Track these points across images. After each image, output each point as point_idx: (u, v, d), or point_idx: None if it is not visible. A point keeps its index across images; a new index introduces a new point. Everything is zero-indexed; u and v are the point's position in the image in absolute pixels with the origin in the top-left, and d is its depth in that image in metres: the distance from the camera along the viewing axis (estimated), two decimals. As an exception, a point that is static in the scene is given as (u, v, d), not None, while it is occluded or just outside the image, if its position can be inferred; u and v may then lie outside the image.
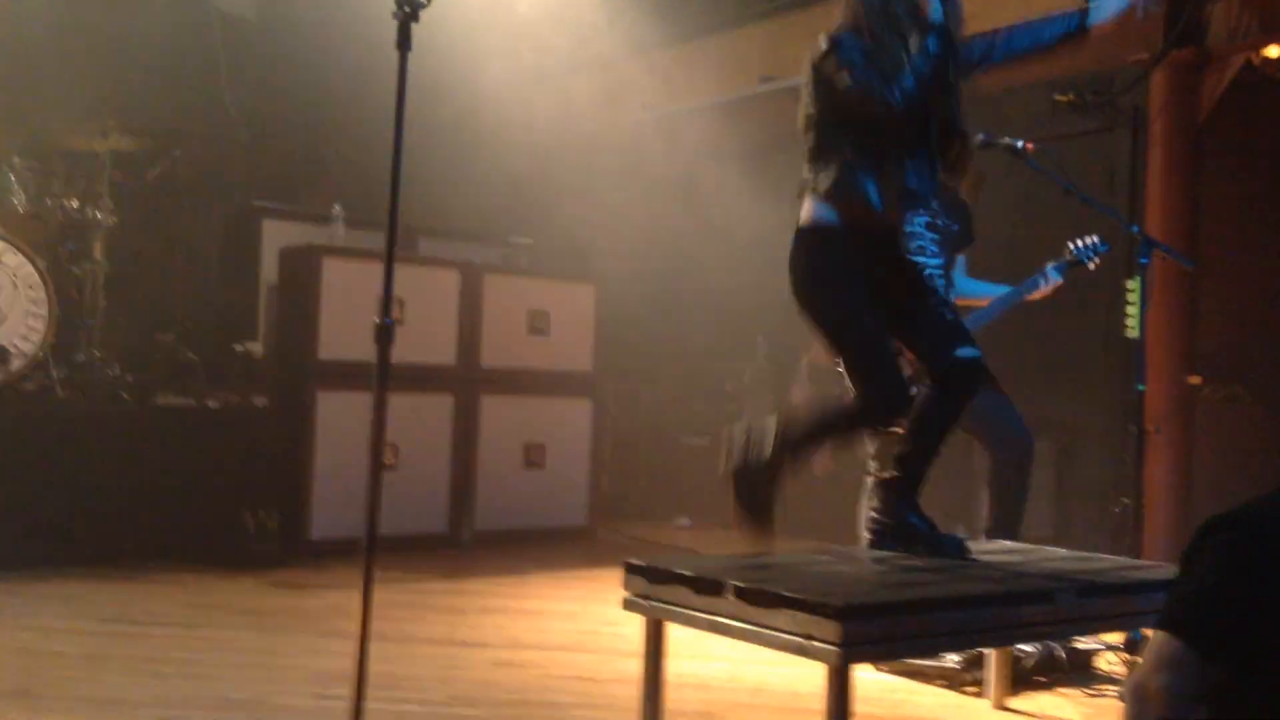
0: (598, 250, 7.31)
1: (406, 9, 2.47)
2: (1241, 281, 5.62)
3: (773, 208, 6.59)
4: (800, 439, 3.03)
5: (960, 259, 4.24)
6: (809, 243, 3.01)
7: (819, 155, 3.00)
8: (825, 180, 2.97)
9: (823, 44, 2.95)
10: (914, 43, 2.90)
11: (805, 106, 3.03)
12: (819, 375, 4.46)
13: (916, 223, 3.86)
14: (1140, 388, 3.69)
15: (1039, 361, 5.71)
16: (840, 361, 3.04)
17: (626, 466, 7.49)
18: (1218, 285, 5.37)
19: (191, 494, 5.38)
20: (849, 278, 2.98)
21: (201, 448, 5.50)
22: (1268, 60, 5.68)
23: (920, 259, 3.65)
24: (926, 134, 2.98)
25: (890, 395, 2.97)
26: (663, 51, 7.53)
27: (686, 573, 2.61)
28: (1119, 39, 5.59)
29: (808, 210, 3.02)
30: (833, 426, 3.08)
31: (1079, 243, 4.12)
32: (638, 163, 7.68)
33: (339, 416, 5.66)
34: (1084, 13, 3.05)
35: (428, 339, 6.04)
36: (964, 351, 3.00)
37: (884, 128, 2.92)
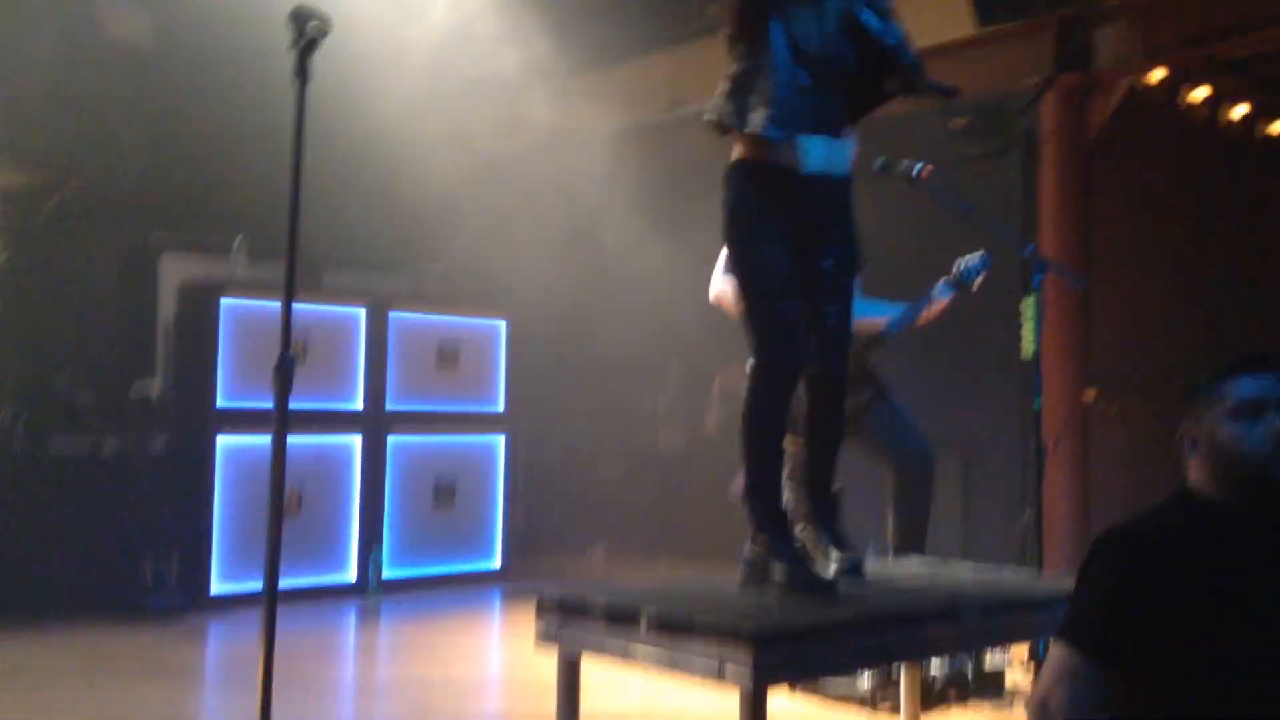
0: (507, 279, 7.28)
1: (304, 40, 2.43)
2: (1132, 297, 5.80)
3: (681, 232, 6.65)
4: (752, 464, 2.98)
5: (855, 282, 4.28)
6: (726, 178, 2.95)
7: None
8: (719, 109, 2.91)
9: None
10: None
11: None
12: (731, 398, 4.46)
13: None
14: (1037, 405, 3.78)
15: (942, 380, 5.81)
16: (741, 309, 2.94)
17: (542, 499, 7.44)
18: (1109, 301, 5.53)
19: (88, 542, 5.19)
20: (757, 218, 2.90)
21: (98, 494, 5.32)
22: (1152, 84, 5.91)
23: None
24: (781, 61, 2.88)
25: (777, 363, 2.87)
26: (572, 78, 7.55)
27: (599, 604, 2.59)
28: (1011, 64, 5.77)
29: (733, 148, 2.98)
30: (753, 429, 2.93)
31: (963, 263, 4.21)
32: (547, 189, 7.67)
33: (240, 461, 5.50)
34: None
35: (332, 377, 5.93)
36: (830, 371, 3.00)
37: (768, 36, 2.85)
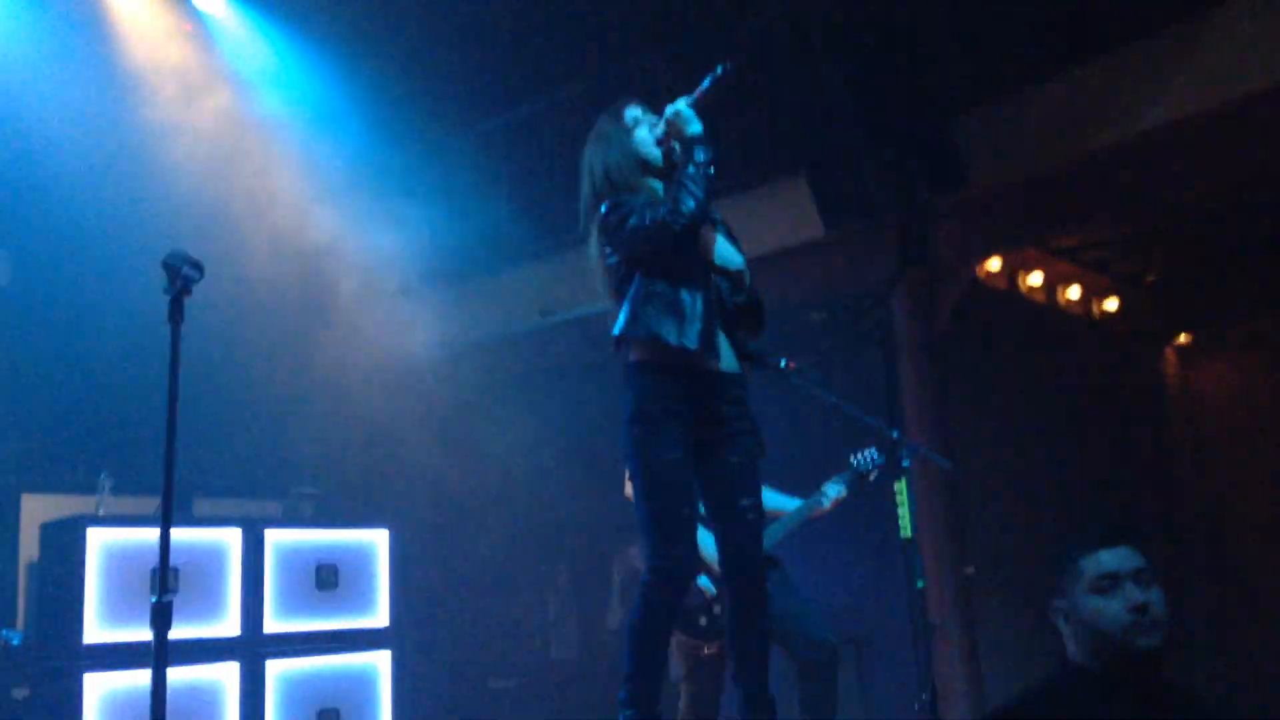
0: (389, 493, 7.18)
1: (179, 285, 2.47)
2: (997, 474, 6.05)
3: (561, 435, 6.72)
4: (637, 666, 2.96)
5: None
6: (629, 380, 3.06)
7: (619, 301, 3.10)
8: (627, 323, 3.04)
9: (601, 209, 3.12)
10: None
11: (601, 270, 3.17)
12: (632, 586, 4.44)
13: None
14: (920, 584, 3.87)
15: (827, 564, 5.89)
16: (637, 512, 2.99)
17: (432, 719, 7.14)
18: (977, 479, 5.75)
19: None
20: (663, 420, 2.99)
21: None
22: (991, 273, 6.36)
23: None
24: (706, 275, 3.11)
25: (674, 566, 2.93)
26: (447, 288, 7.69)
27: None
28: (861, 260, 6.14)
29: (630, 353, 3.09)
30: (644, 629, 2.97)
31: (857, 455, 4.38)
32: (426, 399, 7.68)
33: (110, 703, 5.17)
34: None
35: (207, 607, 5.67)
36: (750, 571, 3.04)
37: (672, 262, 3.04)
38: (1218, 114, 4.87)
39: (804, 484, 4.52)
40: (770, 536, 4.21)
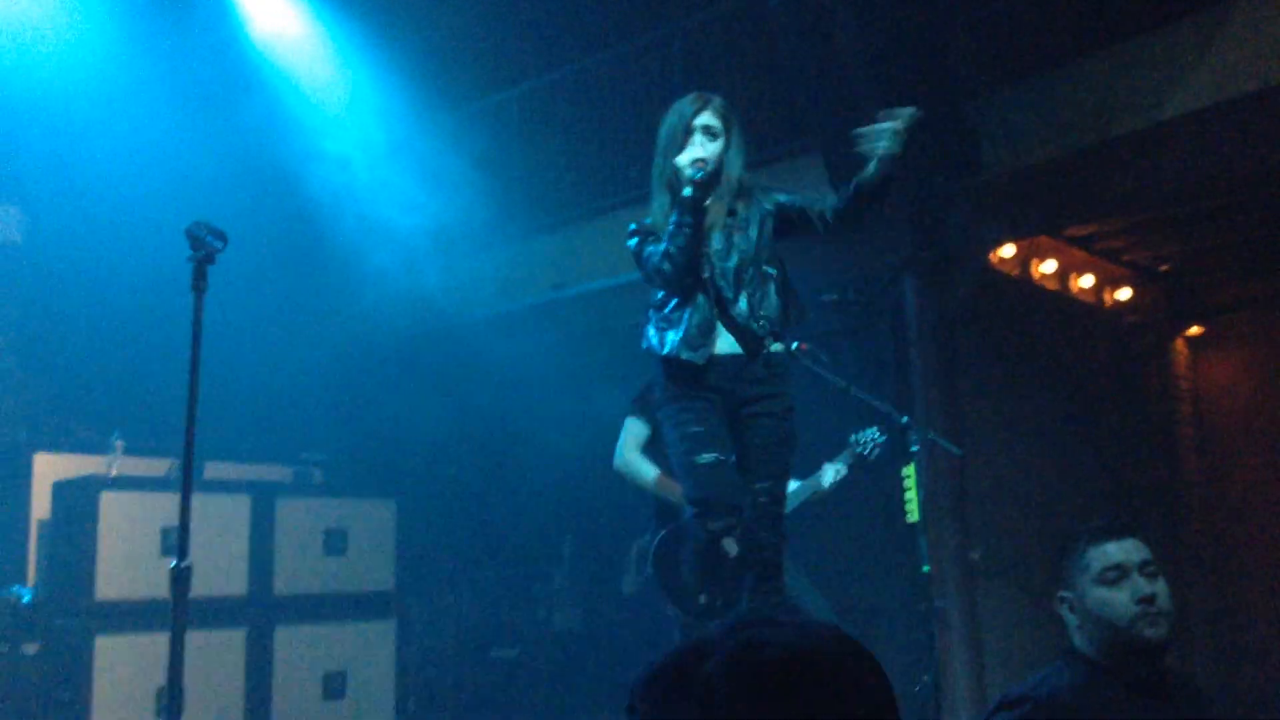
0: (396, 461, 7.22)
1: (202, 253, 2.48)
2: (1004, 462, 6.06)
3: (569, 408, 6.74)
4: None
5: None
6: (661, 371, 3.33)
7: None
8: (648, 339, 3.35)
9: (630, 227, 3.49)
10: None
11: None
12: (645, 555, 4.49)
13: None
14: (926, 569, 3.90)
15: (830, 546, 5.93)
16: (680, 475, 3.28)
17: (435, 685, 7.21)
18: (983, 466, 5.77)
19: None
20: (699, 398, 3.25)
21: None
22: (1004, 260, 6.35)
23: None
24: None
25: (709, 499, 3.16)
26: (458, 259, 7.70)
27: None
28: (873, 243, 6.13)
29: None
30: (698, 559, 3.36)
31: (857, 435, 4.40)
32: (435, 370, 7.71)
33: (120, 662, 5.24)
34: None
35: (217, 569, 5.73)
36: (768, 537, 3.14)
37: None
38: (1236, 106, 4.85)
39: (812, 466, 4.55)
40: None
